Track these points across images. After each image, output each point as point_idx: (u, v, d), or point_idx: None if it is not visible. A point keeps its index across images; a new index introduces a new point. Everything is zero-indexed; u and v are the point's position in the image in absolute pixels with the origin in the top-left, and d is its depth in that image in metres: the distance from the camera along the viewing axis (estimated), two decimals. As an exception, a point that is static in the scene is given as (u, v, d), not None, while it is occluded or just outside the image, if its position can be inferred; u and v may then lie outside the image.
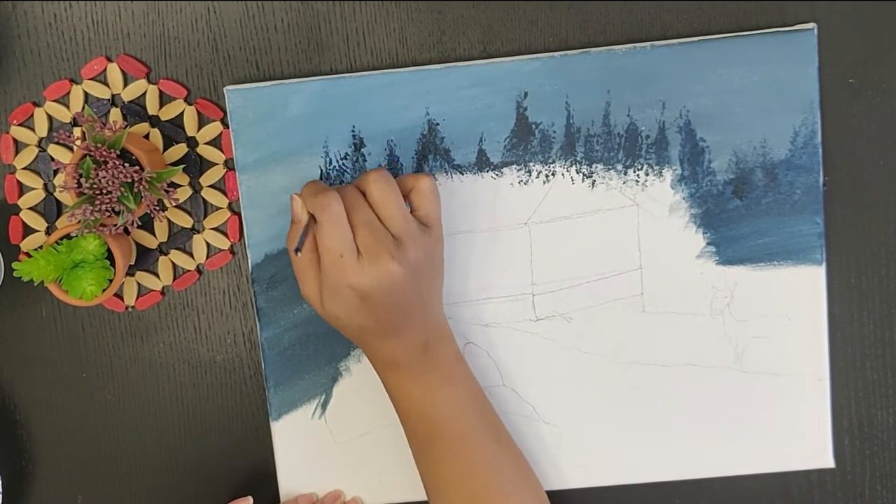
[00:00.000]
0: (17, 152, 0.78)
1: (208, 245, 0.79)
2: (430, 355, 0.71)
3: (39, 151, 0.78)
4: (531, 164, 0.76)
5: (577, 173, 0.76)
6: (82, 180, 0.72)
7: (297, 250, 0.67)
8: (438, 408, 0.72)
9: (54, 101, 0.78)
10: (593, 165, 0.76)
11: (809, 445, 0.79)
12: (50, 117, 0.78)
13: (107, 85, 0.78)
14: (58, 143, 0.78)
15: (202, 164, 0.78)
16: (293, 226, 0.69)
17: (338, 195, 0.67)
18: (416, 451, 0.74)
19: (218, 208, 0.79)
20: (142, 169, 0.73)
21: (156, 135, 0.78)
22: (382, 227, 0.67)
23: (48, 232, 0.79)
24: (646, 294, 0.77)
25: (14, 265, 0.74)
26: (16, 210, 0.79)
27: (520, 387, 0.79)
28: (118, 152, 0.72)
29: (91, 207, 0.72)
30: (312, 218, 0.68)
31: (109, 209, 0.72)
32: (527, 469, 0.76)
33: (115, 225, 0.74)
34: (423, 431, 0.73)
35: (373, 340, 0.70)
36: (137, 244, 0.79)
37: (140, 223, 0.78)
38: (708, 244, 0.77)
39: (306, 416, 0.79)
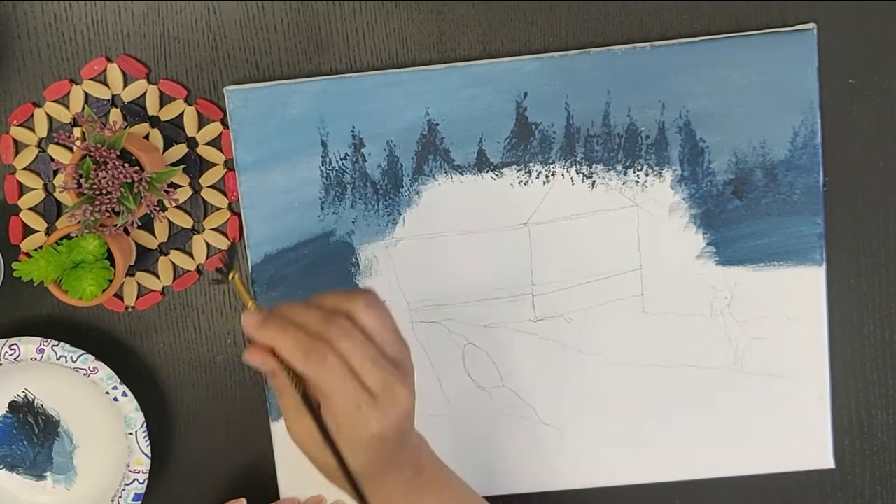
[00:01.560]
0: (17, 153, 0.79)
1: (208, 245, 0.79)
2: (422, 473, 0.65)
3: (39, 152, 0.78)
4: (531, 164, 0.76)
5: (577, 174, 0.76)
6: (82, 181, 0.72)
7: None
8: None
9: (54, 101, 0.78)
10: (593, 166, 0.76)
11: (809, 446, 0.79)
12: (50, 117, 0.78)
13: (107, 85, 0.78)
14: (58, 143, 0.78)
15: (202, 165, 0.78)
16: (274, 378, 0.60)
17: (326, 342, 0.58)
18: None
19: (218, 208, 0.79)
20: (142, 169, 0.73)
21: (156, 135, 0.78)
22: (383, 359, 0.59)
23: (48, 232, 0.79)
24: (646, 294, 0.77)
25: (14, 265, 0.74)
26: (16, 210, 0.79)
27: (520, 387, 0.79)
28: (118, 153, 0.72)
29: (91, 208, 0.72)
30: (290, 371, 0.60)
31: (109, 209, 0.72)
32: None
33: (115, 225, 0.74)
34: None
35: (386, 480, 0.62)
36: (137, 244, 0.79)
37: (140, 223, 0.78)
38: (708, 244, 0.77)
39: (306, 416, 0.79)
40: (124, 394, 0.76)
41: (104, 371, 0.76)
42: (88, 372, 0.76)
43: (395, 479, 0.62)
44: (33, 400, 0.80)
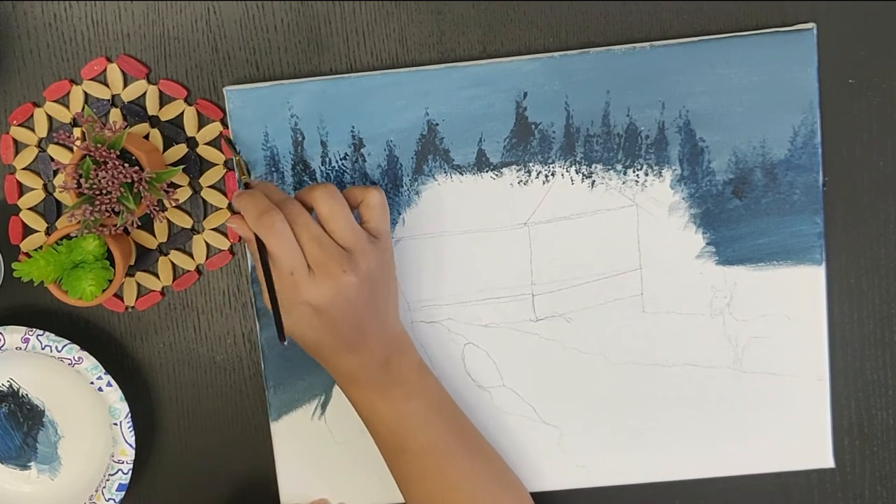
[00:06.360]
0: (17, 152, 0.79)
1: (208, 245, 0.79)
2: (390, 369, 0.71)
3: (39, 152, 0.79)
4: (531, 164, 0.76)
5: (577, 173, 0.76)
6: (82, 181, 0.72)
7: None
8: (404, 421, 0.72)
9: (54, 101, 0.78)
10: (593, 165, 0.76)
11: (809, 445, 0.79)
12: (50, 117, 0.78)
13: (107, 85, 0.78)
14: (58, 143, 0.78)
15: (202, 165, 0.78)
16: (249, 245, 0.70)
17: (280, 213, 0.67)
18: (389, 464, 0.74)
19: (218, 208, 0.79)
20: (142, 169, 0.73)
21: (156, 135, 0.78)
22: (331, 241, 0.67)
23: (48, 232, 0.79)
24: (646, 294, 0.77)
25: (14, 265, 0.74)
26: (16, 210, 0.79)
27: (520, 387, 0.79)
28: (118, 153, 0.72)
29: (91, 208, 0.72)
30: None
31: (109, 209, 0.72)
32: (505, 475, 0.76)
33: (115, 225, 0.74)
34: (392, 445, 0.72)
35: (331, 356, 0.70)
36: (137, 244, 0.79)
37: (140, 223, 0.78)
38: (708, 244, 0.77)
39: (306, 416, 0.79)
40: (109, 384, 0.76)
41: (89, 361, 0.76)
42: (73, 362, 0.76)
43: (348, 357, 0.70)
44: (18, 389, 0.80)
